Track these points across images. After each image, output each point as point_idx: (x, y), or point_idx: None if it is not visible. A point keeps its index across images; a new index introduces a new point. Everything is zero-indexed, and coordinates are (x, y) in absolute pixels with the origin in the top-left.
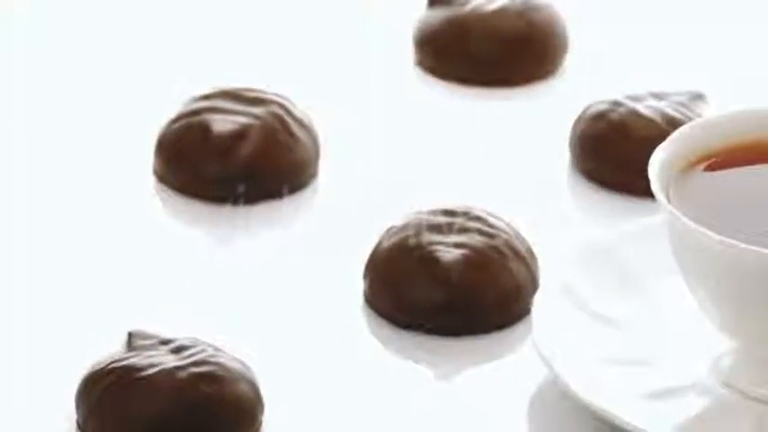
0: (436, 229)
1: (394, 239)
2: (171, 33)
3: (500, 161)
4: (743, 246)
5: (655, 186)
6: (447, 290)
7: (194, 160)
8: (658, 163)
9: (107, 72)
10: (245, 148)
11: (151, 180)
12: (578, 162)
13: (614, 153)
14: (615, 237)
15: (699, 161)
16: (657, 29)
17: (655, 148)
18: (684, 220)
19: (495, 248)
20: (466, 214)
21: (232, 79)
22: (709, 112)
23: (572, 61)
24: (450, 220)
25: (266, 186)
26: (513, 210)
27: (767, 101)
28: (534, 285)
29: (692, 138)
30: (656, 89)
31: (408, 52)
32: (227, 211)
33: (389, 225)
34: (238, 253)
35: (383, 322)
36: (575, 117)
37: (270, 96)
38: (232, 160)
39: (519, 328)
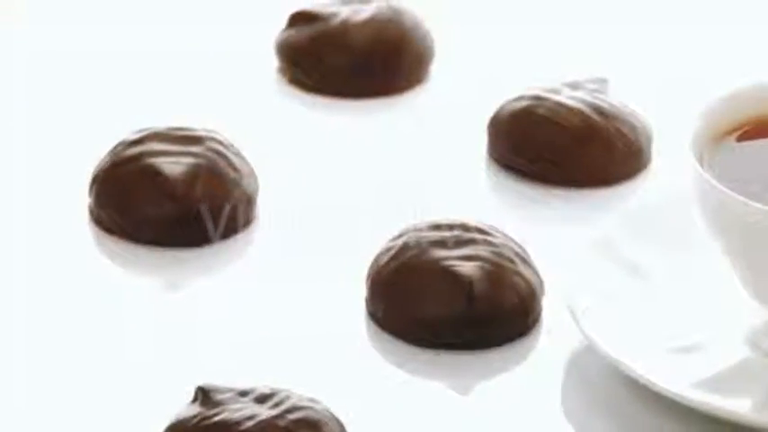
0: (439, 244)
1: (401, 259)
2: (69, 80)
3: (422, 169)
4: None
5: (689, 156)
6: (469, 304)
7: (148, 205)
8: (692, 133)
9: (16, 123)
10: (199, 189)
11: (92, 230)
12: (505, 158)
13: (549, 146)
14: (601, 228)
15: (731, 131)
16: (507, 29)
17: (587, 137)
18: (721, 188)
19: (504, 257)
20: (461, 226)
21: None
22: (620, 95)
23: (438, 66)
24: (448, 234)
25: (226, 223)
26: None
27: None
28: (542, 288)
29: (724, 108)
30: (568, 80)
31: (272, 70)
32: (188, 253)
33: (387, 244)
34: (223, 292)
35: (400, 342)
36: (470, 117)
37: (201, 133)
38: (187, 202)
39: (534, 333)
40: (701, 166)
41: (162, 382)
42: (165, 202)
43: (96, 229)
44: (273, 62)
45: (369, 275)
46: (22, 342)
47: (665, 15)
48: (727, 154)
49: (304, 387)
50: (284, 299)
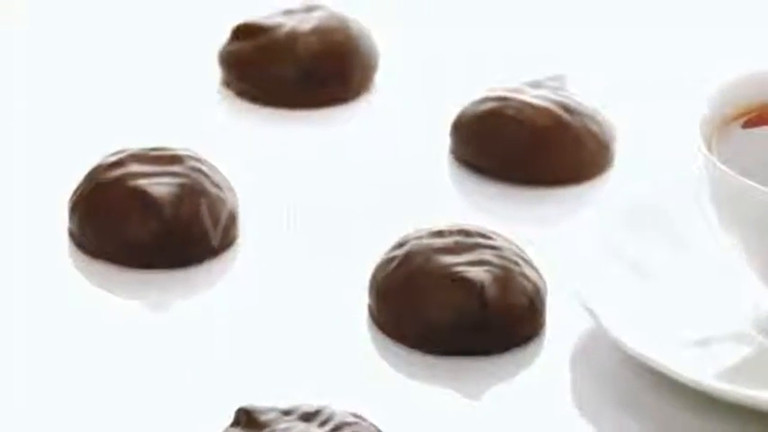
0: (444, 251)
1: (408, 267)
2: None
3: (390, 176)
4: None
5: (698, 142)
6: (481, 309)
7: (137, 227)
8: (700, 120)
9: None
10: (188, 209)
11: (75, 254)
12: (473, 160)
13: (520, 146)
14: (591, 224)
15: (736, 118)
16: (446, 32)
17: (558, 135)
18: (731, 173)
19: (509, 260)
20: (462, 232)
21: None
22: (579, 89)
23: (382, 73)
24: (451, 240)
25: (211, 243)
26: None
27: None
28: (545, 289)
29: (730, 94)
30: (526, 79)
31: (217, 84)
32: (178, 273)
33: (389, 254)
34: (221, 310)
35: (411, 351)
36: (424, 121)
37: (178, 152)
38: (176, 222)
39: (544, 334)
40: (710, 151)
41: (184, 408)
42: (154, 223)
43: (80, 253)
44: (216, 75)
45: (373, 285)
46: (20, 378)
47: (601, 15)
48: (732, 140)
49: (326, 401)
50: (285, 313)
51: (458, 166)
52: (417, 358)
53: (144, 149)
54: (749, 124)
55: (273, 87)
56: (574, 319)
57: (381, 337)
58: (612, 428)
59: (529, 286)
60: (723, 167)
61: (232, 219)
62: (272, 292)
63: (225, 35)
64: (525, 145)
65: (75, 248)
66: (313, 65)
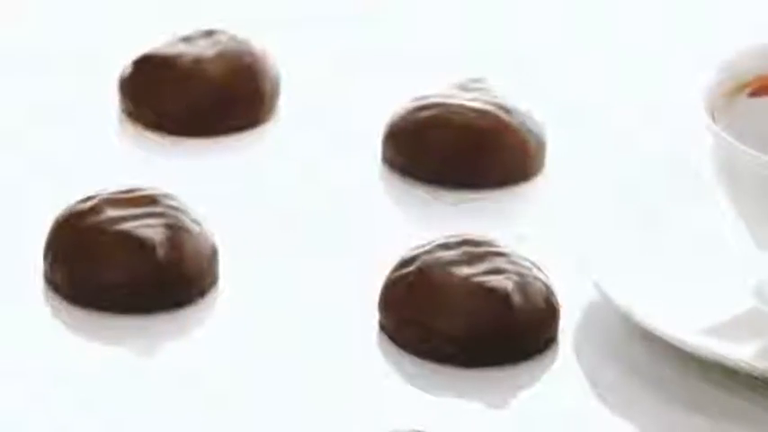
0: (458, 263)
1: (428, 282)
2: None
3: (327, 194)
4: None
5: (701, 111)
6: (507, 317)
7: (129, 272)
8: (704, 88)
9: None
10: (178, 250)
11: (56, 303)
12: (415, 169)
13: (465, 150)
14: (573, 215)
15: (742, 87)
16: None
17: (503, 136)
18: (733, 142)
19: (521, 266)
20: (467, 242)
21: None
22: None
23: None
24: (461, 252)
25: (203, 281)
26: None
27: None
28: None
29: (736, 64)
30: (456, 82)
31: (120, 117)
32: (170, 315)
33: (398, 272)
34: (223, 348)
35: (440, 367)
36: (346, 136)
37: (150, 192)
38: (168, 264)
39: (562, 336)
40: (713, 120)
41: None
42: (148, 266)
43: (64, 303)
44: (116, 108)
45: (388, 304)
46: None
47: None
48: (738, 109)
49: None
50: (292, 344)
51: (395, 175)
52: (448, 372)
53: (115, 192)
54: (756, 93)
55: (183, 116)
56: (580, 317)
57: (403, 354)
58: (655, 426)
59: (544, 289)
60: (723, 134)
61: (215, 254)
62: (270, 323)
63: (119, 63)
64: (470, 148)
65: (56, 298)
66: (222, 90)
